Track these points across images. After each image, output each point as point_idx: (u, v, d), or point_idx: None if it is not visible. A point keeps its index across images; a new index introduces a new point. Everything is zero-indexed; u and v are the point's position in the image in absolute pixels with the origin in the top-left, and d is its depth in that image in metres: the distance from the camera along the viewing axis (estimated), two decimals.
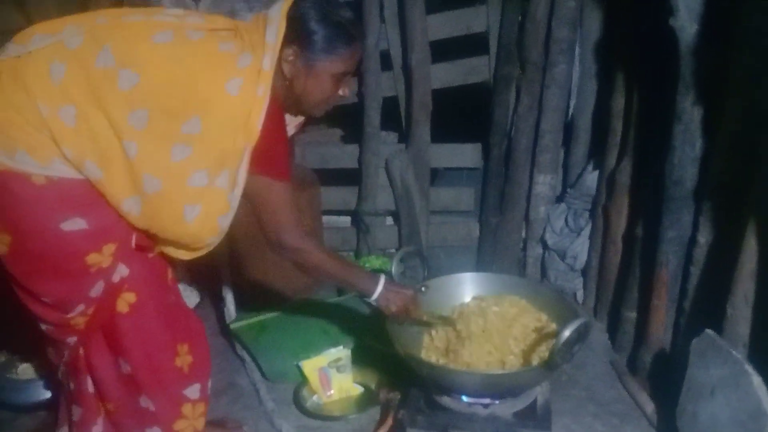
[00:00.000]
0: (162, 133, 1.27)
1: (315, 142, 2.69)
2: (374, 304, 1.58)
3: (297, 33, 1.32)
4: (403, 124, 2.59)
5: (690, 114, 1.68)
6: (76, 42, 1.27)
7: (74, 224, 1.29)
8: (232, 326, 2.07)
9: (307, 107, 1.43)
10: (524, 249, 2.57)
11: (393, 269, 1.77)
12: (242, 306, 2.18)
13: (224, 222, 1.38)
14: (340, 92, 1.43)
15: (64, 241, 1.30)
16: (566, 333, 1.41)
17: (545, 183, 2.48)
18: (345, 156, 2.61)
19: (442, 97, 2.54)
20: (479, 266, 2.59)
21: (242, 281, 2.23)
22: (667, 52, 1.73)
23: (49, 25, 1.32)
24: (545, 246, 2.51)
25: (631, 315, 2.05)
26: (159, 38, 1.29)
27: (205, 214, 1.34)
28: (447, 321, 1.69)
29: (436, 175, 2.69)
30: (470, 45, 2.57)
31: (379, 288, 1.55)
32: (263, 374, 1.95)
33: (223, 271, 2.13)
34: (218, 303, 2.20)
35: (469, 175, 2.70)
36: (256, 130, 1.30)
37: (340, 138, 2.71)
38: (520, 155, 2.48)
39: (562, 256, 2.47)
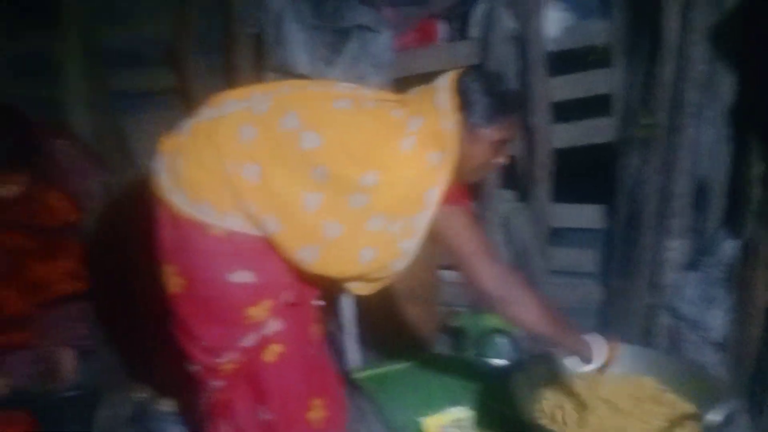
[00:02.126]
0: (342, 184, 1.37)
1: None
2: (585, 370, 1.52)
3: (462, 102, 1.41)
4: (523, 183, 2.57)
5: None
6: (263, 108, 1.41)
7: (241, 277, 1.40)
8: (355, 376, 2.08)
9: (465, 173, 1.48)
10: (651, 316, 2.43)
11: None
12: (365, 351, 2.19)
13: (397, 266, 1.44)
14: (498, 159, 1.47)
15: (230, 292, 1.40)
16: (716, 418, 1.29)
17: (675, 248, 2.37)
18: None
19: (565, 155, 2.52)
20: (600, 332, 2.46)
21: (367, 330, 2.24)
22: None
23: (240, 92, 1.50)
24: (675, 315, 2.37)
25: None
26: (339, 105, 1.43)
27: (379, 257, 1.41)
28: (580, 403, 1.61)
29: (556, 235, 2.64)
30: (593, 104, 2.56)
31: (603, 356, 1.50)
32: (384, 427, 1.93)
33: (345, 318, 2.16)
34: (340, 351, 2.22)
35: (591, 235, 2.62)
36: (443, 180, 1.38)
37: None
38: (648, 218, 2.39)
39: (695, 328, 2.31)
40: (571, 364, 1.57)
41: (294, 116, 1.38)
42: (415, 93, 1.50)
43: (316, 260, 1.40)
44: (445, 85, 1.43)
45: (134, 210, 1.94)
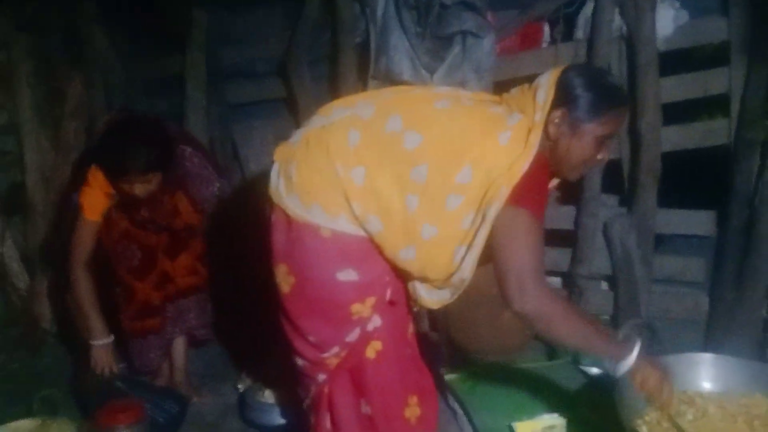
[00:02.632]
0: (439, 185, 1.40)
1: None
2: (619, 374, 1.44)
3: (565, 97, 1.40)
4: (627, 187, 2.49)
5: None
6: (368, 113, 1.49)
7: (347, 275, 1.48)
8: (446, 377, 2.13)
9: (566, 169, 1.48)
10: (766, 329, 2.29)
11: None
12: (457, 354, 2.23)
13: (469, 261, 1.43)
14: (600, 156, 1.45)
15: (337, 290, 1.48)
16: None
17: None
18: (561, 217, 2.58)
19: (673, 159, 2.41)
20: (709, 345, 2.35)
21: (461, 334, 2.28)
22: None
23: (346, 100, 1.59)
24: None
25: None
26: (439, 105, 1.47)
27: (469, 254, 1.42)
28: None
29: (661, 242, 2.53)
30: (705, 106, 2.42)
31: (633, 358, 1.41)
32: (475, 430, 1.96)
33: (439, 321, 2.21)
34: (436, 353, 2.27)
35: (698, 243, 2.49)
36: (519, 172, 1.35)
37: (556, 199, 2.68)
38: (765, 226, 2.24)
39: None
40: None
41: (397, 118, 1.44)
42: (517, 91, 1.50)
43: (414, 260, 1.45)
44: (546, 81, 1.42)
45: (245, 212, 2.11)
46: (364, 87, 2.51)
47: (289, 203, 1.49)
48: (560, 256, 2.61)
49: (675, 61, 2.40)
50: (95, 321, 2.12)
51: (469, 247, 1.41)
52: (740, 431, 1.53)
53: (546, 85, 1.42)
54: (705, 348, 2.30)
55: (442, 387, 2.16)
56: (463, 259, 1.43)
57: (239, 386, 2.35)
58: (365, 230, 1.46)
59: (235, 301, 2.54)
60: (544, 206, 1.44)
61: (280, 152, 1.56)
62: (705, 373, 1.71)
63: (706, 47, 2.40)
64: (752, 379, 1.66)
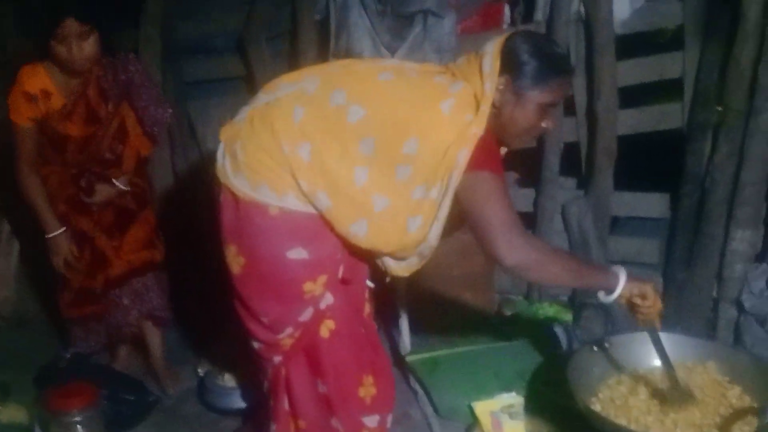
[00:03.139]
0: (386, 156, 1.40)
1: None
2: (614, 299, 1.50)
3: (509, 64, 1.40)
4: (584, 170, 2.53)
5: None
6: (313, 88, 1.47)
7: (298, 254, 1.46)
8: (407, 359, 2.14)
9: (510, 137, 1.49)
10: (715, 310, 2.36)
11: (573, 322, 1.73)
12: (419, 334, 2.23)
13: (435, 230, 1.45)
14: (544, 124, 1.46)
15: (288, 268, 1.47)
16: None
17: (743, 239, 2.28)
18: (520, 199, 2.60)
19: (628, 143, 2.45)
20: (662, 324, 2.42)
21: (418, 312, 2.29)
22: None
23: (292, 75, 1.56)
24: (741, 308, 2.29)
25: None
26: (382, 77, 1.46)
27: (423, 224, 1.43)
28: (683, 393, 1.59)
29: (617, 224, 2.58)
30: (661, 89, 2.46)
31: (621, 284, 1.47)
32: (435, 410, 1.98)
33: (400, 302, 2.21)
34: (394, 334, 2.29)
35: (653, 225, 2.55)
36: (474, 138, 1.36)
37: (515, 181, 2.71)
38: (716, 208, 2.31)
39: (761, 322, 2.23)
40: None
41: (341, 92, 1.42)
42: (463, 60, 1.50)
43: (366, 233, 1.44)
44: (491, 49, 1.42)
45: (201, 191, 2.06)
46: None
47: (236, 183, 1.46)
48: None
49: (636, 45, 2.44)
50: (47, 215, 2.10)
51: (435, 218, 1.42)
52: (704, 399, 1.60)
53: (491, 52, 1.42)
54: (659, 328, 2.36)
55: (403, 368, 2.17)
56: (428, 228, 1.43)
57: (199, 370, 2.31)
58: (314, 207, 1.45)
59: (193, 281, 2.48)
60: (502, 167, 1.47)
61: (226, 132, 1.54)
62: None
63: (666, 31, 2.44)
64: (697, 352, 1.75)
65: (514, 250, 1.36)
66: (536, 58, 1.40)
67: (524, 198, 2.60)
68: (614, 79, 2.37)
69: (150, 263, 2.24)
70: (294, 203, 1.44)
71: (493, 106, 1.42)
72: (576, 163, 2.56)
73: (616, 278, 1.47)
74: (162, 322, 2.34)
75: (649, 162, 2.54)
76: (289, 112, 1.44)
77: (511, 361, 2.06)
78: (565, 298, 2.59)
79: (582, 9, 2.37)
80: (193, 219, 2.40)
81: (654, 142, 2.50)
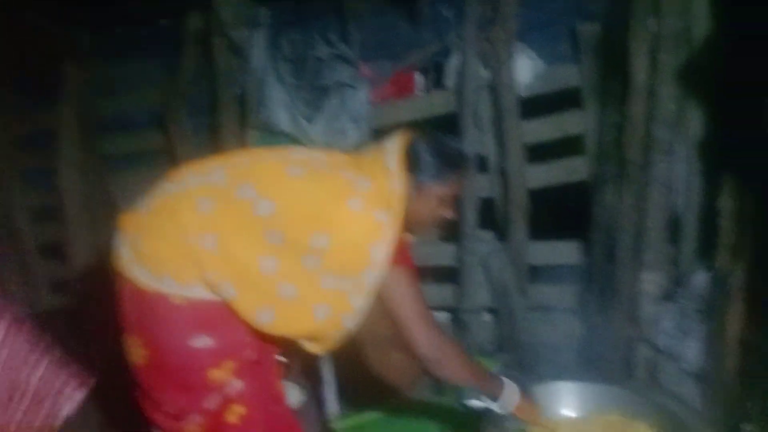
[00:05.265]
0: (295, 247, 1.44)
1: (415, 242, 2.80)
2: (502, 411, 1.62)
3: (411, 162, 1.52)
4: (501, 223, 2.65)
5: None
6: (220, 181, 1.50)
7: (202, 342, 1.46)
8: (333, 425, 2.14)
9: (415, 227, 1.59)
10: (630, 349, 2.48)
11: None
12: (346, 399, 2.25)
13: (349, 322, 1.50)
14: (445, 214, 1.57)
15: (191, 357, 1.46)
16: None
17: (652, 281, 2.41)
18: (443, 254, 2.70)
19: (542, 195, 2.59)
20: (582, 367, 2.53)
21: (344, 377, 2.32)
22: None
23: (198, 166, 1.58)
24: (652, 347, 2.42)
25: (752, 429, 1.91)
26: (292, 172, 1.51)
27: (332, 314, 1.48)
28: None
29: (537, 272, 2.70)
30: (568, 144, 2.62)
31: (518, 397, 1.61)
32: None
33: (326, 369, 2.23)
34: (321, 401, 2.29)
35: (570, 272, 2.68)
36: (393, 240, 1.45)
37: (438, 237, 2.81)
38: (624, 253, 2.45)
39: (673, 359, 2.35)
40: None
41: (250, 187, 1.46)
42: (368, 154, 1.60)
43: (273, 321, 1.47)
44: (393, 147, 1.54)
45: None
46: (244, 137, 2.53)
47: (138, 274, 1.46)
48: (445, 292, 2.73)
49: (551, 103, 2.60)
50: None
51: (350, 309, 1.48)
52: None
53: (393, 150, 1.53)
54: (579, 368, 2.47)
55: None
56: (340, 320, 1.49)
57: None
58: (219, 295, 1.46)
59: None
60: (412, 260, 1.58)
61: (126, 221, 1.53)
62: (568, 399, 1.84)
63: (573, 90, 2.63)
64: (608, 399, 1.83)
65: (434, 346, 1.49)
66: (435, 156, 1.53)
67: (447, 253, 2.70)
68: (520, 138, 2.52)
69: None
70: (199, 292, 1.45)
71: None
72: (493, 217, 2.68)
73: (501, 389, 1.61)
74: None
75: (565, 213, 2.69)
76: (194, 204, 1.45)
77: (438, 420, 2.09)
78: (490, 347, 2.67)
79: (488, 75, 2.53)
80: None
81: (568, 193, 2.66)
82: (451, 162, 1.55)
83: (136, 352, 1.49)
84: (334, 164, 1.58)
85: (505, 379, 1.63)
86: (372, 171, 1.52)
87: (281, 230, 1.44)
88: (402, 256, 1.50)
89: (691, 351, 2.29)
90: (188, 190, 1.50)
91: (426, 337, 1.48)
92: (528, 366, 2.44)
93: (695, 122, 2.31)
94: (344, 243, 1.44)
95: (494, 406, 1.62)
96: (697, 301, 2.30)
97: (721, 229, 2.16)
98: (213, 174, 1.52)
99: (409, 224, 1.56)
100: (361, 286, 1.46)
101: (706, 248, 2.28)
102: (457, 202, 2.51)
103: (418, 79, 2.68)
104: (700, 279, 2.30)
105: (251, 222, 1.44)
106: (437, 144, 1.55)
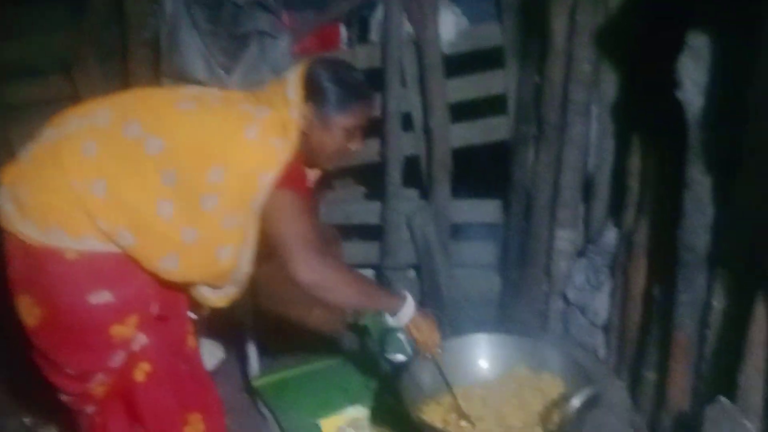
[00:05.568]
0: (190, 187, 1.38)
1: (339, 200, 2.79)
2: (398, 325, 1.58)
3: (312, 92, 1.46)
4: (425, 181, 2.67)
5: (700, 183, 1.72)
6: (104, 121, 1.40)
7: (101, 297, 1.38)
8: (254, 383, 2.13)
9: (321, 160, 1.55)
10: (546, 303, 2.59)
11: None
12: (269, 357, 2.24)
13: (245, 255, 1.46)
14: (352, 146, 1.54)
15: (90, 314, 1.38)
16: (575, 403, 1.44)
17: (565, 238, 2.51)
18: (368, 212, 2.70)
19: (464, 153, 2.62)
20: (501, 319, 2.62)
21: (266, 335, 2.29)
22: (679, 120, 1.77)
23: (81, 108, 1.47)
24: (566, 300, 2.53)
25: (651, 376, 2.04)
26: (182, 107, 1.44)
27: (234, 251, 1.43)
28: (463, 415, 1.67)
29: (459, 231, 2.75)
30: (490, 103, 2.66)
31: (412, 310, 1.56)
32: (283, 431, 1.99)
33: (247, 326, 2.20)
34: (243, 359, 2.27)
35: (490, 230, 2.75)
36: (281, 164, 1.39)
37: (363, 195, 2.80)
38: (540, 211, 2.53)
39: (583, 312, 2.48)
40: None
41: (136, 124, 1.38)
42: (268, 87, 1.54)
43: (178, 267, 1.41)
44: (294, 77, 1.48)
45: None
46: (158, 85, 2.40)
47: (23, 229, 1.36)
48: (370, 250, 2.74)
49: (474, 62, 2.60)
50: None
51: (244, 243, 1.43)
52: (511, 404, 1.72)
53: (294, 80, 1.47)
54: (498, 322, 2.56)
55: (251, 392, 2.17)
56: (238, 256, 1.44)
57: (25, 420, 2.15)
58: (117, 245, 1.38)
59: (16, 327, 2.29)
60: (306, 191, 1.51)
61: (7, 173, 1.41)
62: (485, 351, 1.90)
63: (495, 49, 2.64)
64: (520, 350, 1.89)
65: (311, 269, 1.39)
66: (337, 84, 1.47)
67: (371, 211, 2.70)
68: (444, 96, 2.53)
69: None
70: (93, 244, 1.35)
71: (302, 132, 1.47)
72: (418, 175, 2.70)
73: (402, 302, 1.56)
74: None
75: (486, 172, 2.73)
76: (78, 148, 1.36)
77: (360, 374, 2.11)
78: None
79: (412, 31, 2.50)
80: None
81: (491, 151, 2.70)
82: (353, 91, 1.50)
83: (30, 312, 1.40)
84: (231, 99, 1.51)
85: (408, 296, 1.57)
86: (271, 101, 1.47)
87: (174, 168, 1.36)
88: (292, 181, 1.43)
89: (601, 304, 2.42)
90: (71, 133, 1.39)
91: (303, 260, 1.37)
92: (450, 320, 2.49)
93: (609, 84, 2.38)
94: (239, 173, 1.38)
95: (390, 320, 1.60)
96: (607, 258, 2.42)
97: (629, 188, 2.26)
98: (97, 115, 1.42)
99: (316, 157, 1.52)
100: (254, 217, 1.41)
101: (617, 207, 2.40)
102: (385, 152, 2.51)
103: (343, 32, 2.61)
104: (610, 236, 2.41)
105: (142, 162, 1.36)
106: (338, 72, 1.50)
